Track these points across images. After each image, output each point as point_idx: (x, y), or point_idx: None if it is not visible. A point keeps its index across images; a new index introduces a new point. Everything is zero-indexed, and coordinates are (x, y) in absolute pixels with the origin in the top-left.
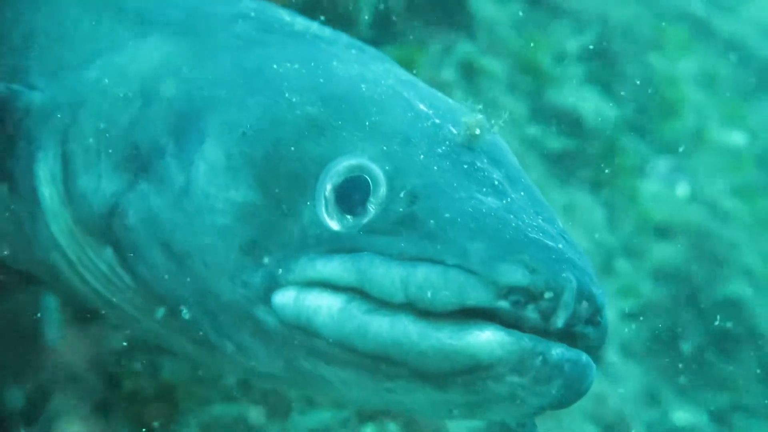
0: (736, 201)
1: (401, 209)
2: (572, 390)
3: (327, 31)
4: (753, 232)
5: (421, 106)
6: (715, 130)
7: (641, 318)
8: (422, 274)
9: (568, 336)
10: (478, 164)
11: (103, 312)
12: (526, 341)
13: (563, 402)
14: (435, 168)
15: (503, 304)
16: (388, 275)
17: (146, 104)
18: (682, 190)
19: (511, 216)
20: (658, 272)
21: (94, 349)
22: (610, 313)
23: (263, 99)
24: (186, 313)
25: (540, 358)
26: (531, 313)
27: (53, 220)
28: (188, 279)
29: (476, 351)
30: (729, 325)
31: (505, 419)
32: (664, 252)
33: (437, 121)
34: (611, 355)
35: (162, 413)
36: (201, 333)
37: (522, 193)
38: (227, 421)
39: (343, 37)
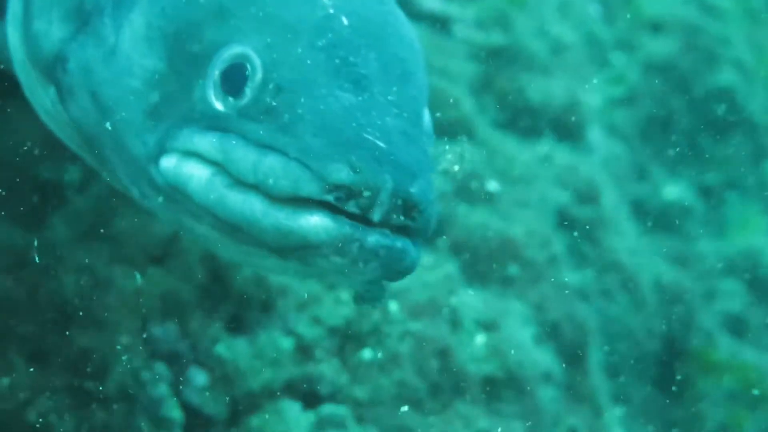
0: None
1: (267, 100)
2: (390, 270)
3: None
4: (744, 27)
5: None
6: None
7: (632, 104)
8: (268, 162)
9: (395, 225)
10: (352, 58)
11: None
12: (347, 228)
13: (386, 278)
14: (308, 62)
15: (329, 197)
16: (244, 158)
17: None
18: None
19: (359, 114)
20: (650, 64)
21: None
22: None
23: None
24: (106, 156)
25: (357, 243)
26: (352, 207)
27: (14, 55)
28: (108, 127)
29: (306, 232)
30: (720, 111)
31: (349, 286)
32: (657, 46)
33: (331, 11)
34: (592, 133)
35: None
36: (119, 175)
37: (395, 88)
38: None
39: None
